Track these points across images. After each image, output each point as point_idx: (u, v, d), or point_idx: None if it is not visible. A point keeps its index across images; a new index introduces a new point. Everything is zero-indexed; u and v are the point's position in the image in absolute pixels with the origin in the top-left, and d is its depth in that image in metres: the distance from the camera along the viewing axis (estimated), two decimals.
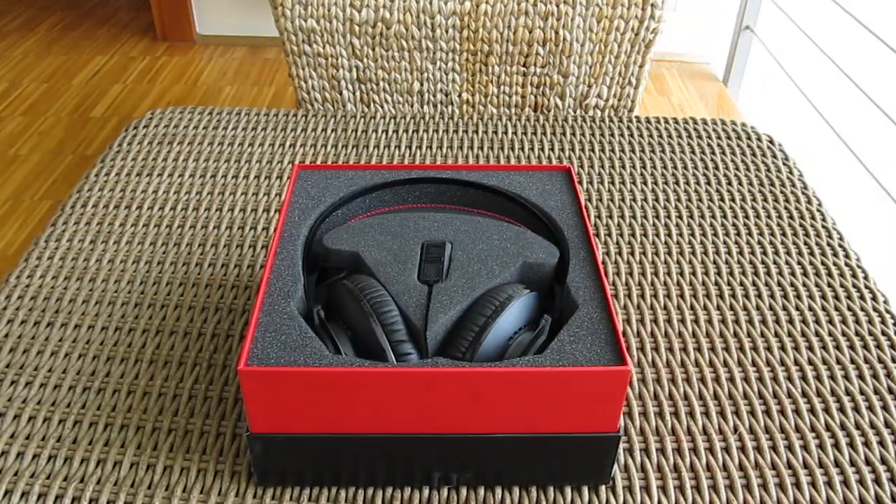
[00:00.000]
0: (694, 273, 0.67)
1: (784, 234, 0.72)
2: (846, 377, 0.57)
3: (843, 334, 0.61)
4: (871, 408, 0.55)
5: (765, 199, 0.77)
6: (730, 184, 0.79)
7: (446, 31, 1.02)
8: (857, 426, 0.53)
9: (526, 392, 0.44)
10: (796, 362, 0.58)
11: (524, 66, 1.05)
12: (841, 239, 0.72)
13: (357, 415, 0.45)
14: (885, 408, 0.55)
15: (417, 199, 0.60)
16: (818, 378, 0.57)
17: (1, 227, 1.77)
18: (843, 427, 0.53)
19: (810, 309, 0.64)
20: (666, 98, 2.28)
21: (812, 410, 0.55)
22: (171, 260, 0.68)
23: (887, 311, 0.63)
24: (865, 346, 0.60)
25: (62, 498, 0.48)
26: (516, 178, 0.61)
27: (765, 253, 0.70)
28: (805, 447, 0.52)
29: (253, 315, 0.47)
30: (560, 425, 0.46)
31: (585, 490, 0.48)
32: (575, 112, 1.09)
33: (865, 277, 0.67)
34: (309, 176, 0.61)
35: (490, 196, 0.60)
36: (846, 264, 0.68)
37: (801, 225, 0.74)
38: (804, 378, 0.57)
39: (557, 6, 0.99)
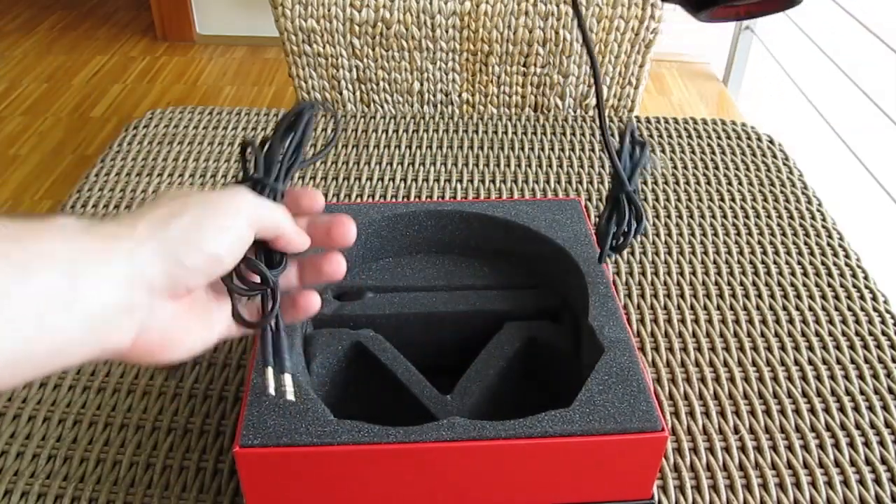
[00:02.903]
0: (694, 273, 0.67)
1: (784, 234, 0.72)
2: (846, 377, 0.57)
3: (843, 334, 0.61)
4: (871, 408, 0.55)
5: (765, 199, 0.77)
6: (730, 184, 0.79)
7: (446, 31, 1.02)
8: (858, 426, 0.53)
9: (554, 460, 0.42)
10: (796, 362, 0.58)
11: (524, 66, 1.05)
12: (841, 239, 0.72)
13: (367, 490, 0.42)
14: (885, 408, 0.55)
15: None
16: (818, 378, 0.57)
17: None
18: (843, 427, 0.53)
19: (810, 309, 0.64)
20: (666, 98, 2.28)
21: (812, 410, 0.55)
22: None
23: (887, 311, 0.63)
24: (865, 346, 0.60)
25: (62, 498, 0.48)
26: (523, 209, 0.57)
27: (765, 253, 0.70)
28: (805, 447, 0.52)
29: (248, 376, 0.44)
30: (589, 494, 0.43)
31: None
32: (575, 112, 1.09)
33: (865, 277, 0.67)
34: None
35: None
36: (846, 264, 0.68)
37: (801, 225, 0.74)
38: (804, 378, 0.57)
39: (557, 6, 0.99)
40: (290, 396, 0.40)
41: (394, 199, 0.76)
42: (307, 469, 0.41)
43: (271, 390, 0.39)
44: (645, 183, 0.79)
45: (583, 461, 0.42)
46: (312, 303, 0.42)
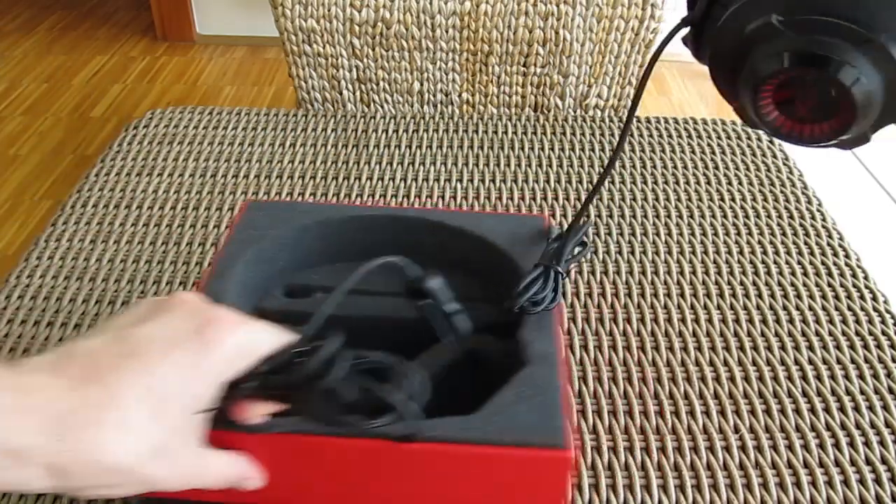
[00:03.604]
0: (694, 273, 0.67)
1: (784, 234, 0.72)
2: (846, 377, 0.57)
3: (844, 334, 0.61)
4: (871, 408, 0.55)
5: (765, 199, 0.77)
6: (730, 184, 0.79)
7: (446, 31, 1.02)
8: (858, 426, 0.53)
9: (448, 468, 0.39)
10: (796, 362, 0.58)
11: (524, 66, 1.05)
12: (841, 239, 0.72)
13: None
14: (885, 408, 0.55)
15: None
16: (818, 378, 0.57)
17: (1, 227, 1.77)
18: (843, 427, 0.53)
19: (810, 309, 0.64)
20: (666, 98, 2.28)
21: (812, 410, 0.55)
22: (170, 260, 0.68)
23: (887, 311, 0.63)
24: (865, 346, 0.60)
25: (62, 497, 0.48)
26: (486, 222, 0.55)
27: (765, 253, 0.70)
28: (805, 446, 0.52)
29: None
30: None
31: (586, 488, 0.48)
32: (575, 112, 1.09)
33: (865, 277, 0.67)
34: (259, 208, 0.55)
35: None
36: (846, 264, 0.69)
37: (801, 225, 0.74)
38: (804, 378, 0.57)
39: (557, 6, 0.99)
40: None
41: (391, 199, 0.76)
42: None
43: None
44: (645, 183, 0.79)
45: (479, 474, 0.40)
46: None
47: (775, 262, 0.69)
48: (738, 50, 0.37)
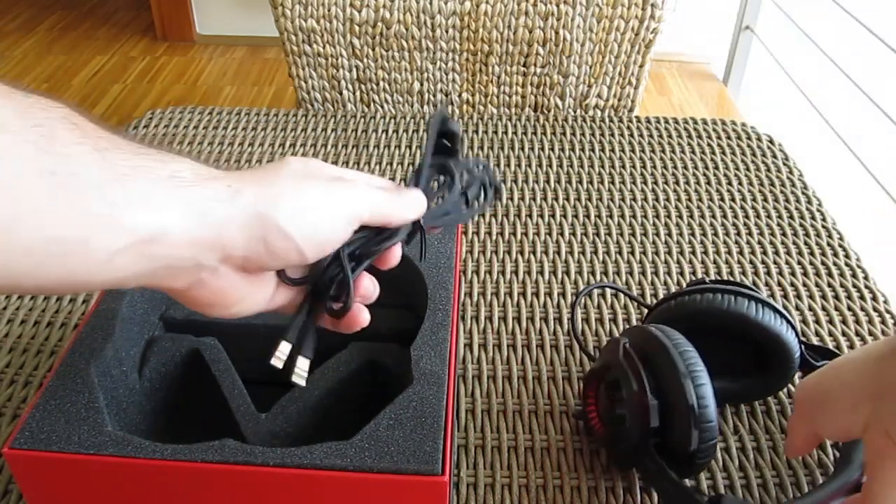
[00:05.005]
0: (694, 273, 0.67)
1: (784, 234, 0.72)
2: None
3: (844, 334, 0.61)
4: None
5: (765, 199, 0.77)
6: (730, 184, 0.79)
7: (446, 31, 1.02)
8: None
9: (323, 495, 0.39)
10: None
11: (524, 66, 1.05)
12: (841, 239, 0.72)
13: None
14: None
15: None
16: None
17: None
18: None
19: (810, 309, 0.64)
20: (666, 98, 2.28)
21: None
22: None
23: (887, 311, 0.63)
24: None
25: None
26: None
27: (765, 253, 0.70)
28: None
29: (55, 363, 0.43)
30: None
31: (585, 491, 0.48)
32: (575, 112, 1.09)
33: (865, 277, 0.67)
34: None
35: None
36: (846, 264, 0.68)
37: (801, 225, 0.74)
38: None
39: (557, 6, 0.99)
40: (300, 381, 0.39)
41: None
42: (74, 476, 0.40)
43: (275, 361, 0.39)
44: (645, 183, 0.79)
45: (356, 499, 0.39)
46: (363, 317, 0.41)
47: (775, 263, 0.69)
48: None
